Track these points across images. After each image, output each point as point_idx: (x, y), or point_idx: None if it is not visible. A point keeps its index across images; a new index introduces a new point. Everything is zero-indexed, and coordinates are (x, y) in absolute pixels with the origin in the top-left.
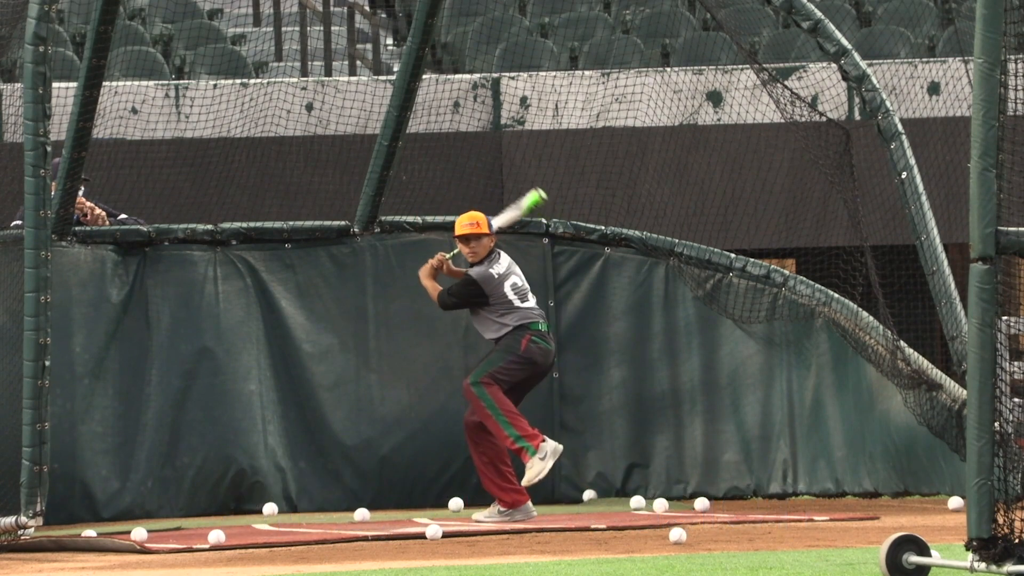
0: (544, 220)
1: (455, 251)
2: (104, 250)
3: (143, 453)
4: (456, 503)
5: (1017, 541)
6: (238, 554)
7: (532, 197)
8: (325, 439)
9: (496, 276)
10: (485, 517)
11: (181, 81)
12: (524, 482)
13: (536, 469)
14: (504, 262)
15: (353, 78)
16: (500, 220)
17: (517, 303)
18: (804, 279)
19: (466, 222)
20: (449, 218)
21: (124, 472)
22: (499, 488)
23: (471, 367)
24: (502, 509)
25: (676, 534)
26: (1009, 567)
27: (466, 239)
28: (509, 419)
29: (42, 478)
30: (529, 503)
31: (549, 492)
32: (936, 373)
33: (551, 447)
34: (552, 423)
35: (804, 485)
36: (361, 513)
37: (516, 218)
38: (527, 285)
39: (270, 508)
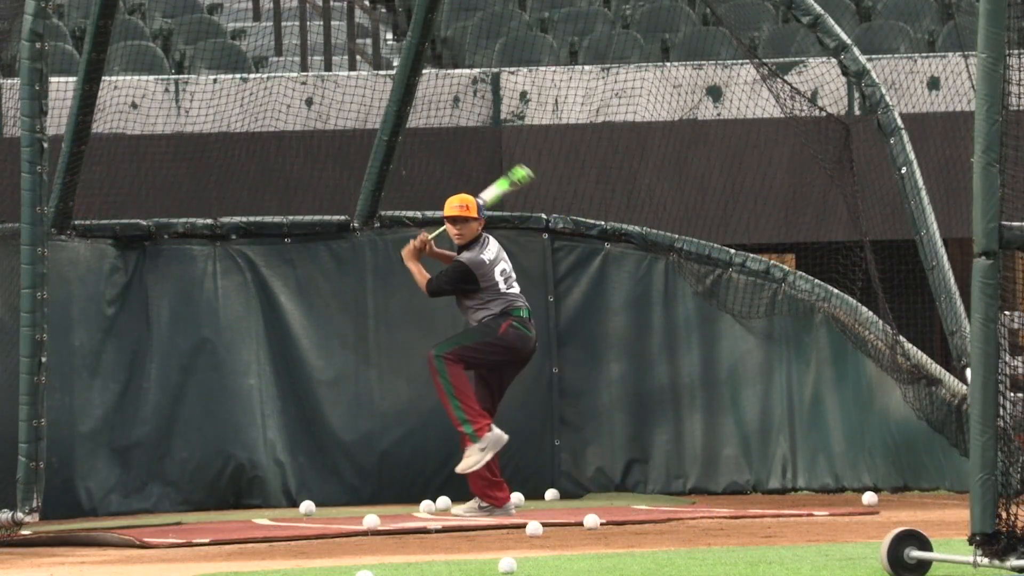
0: (544, 215)
1: (439, 230)
2: (103, 244)
3: (142, 448)
4: (444, 501)
5: (1020, 536)
6: (237, 549)
7: (518, 172)
8: (324, 434)
9: (487, 262)
10: (464, 512)
11: (181, 76)
12: (458, 469)
13: (473, 459)
14: (493, 247)
15: (353, 73)
16: (487, 194)
17: (503, 288)
18: (804, 274)
19: (456, 204)
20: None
21: (123, 467)
22: (487, 485)
23: (439, 339)
24: (483, 505)
25: (532, 527)
26: (1012, 562)
27: (454, 221)
28: (461, 400)
29: (38, 474)
30: (510, 502)
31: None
32: (935, 368)
33: (493, 437)
34: (551, 418)
35: (803, 480)
36: (370, 519)
37: (502, 192)
38: (513, 271)
39: (307, 506)
